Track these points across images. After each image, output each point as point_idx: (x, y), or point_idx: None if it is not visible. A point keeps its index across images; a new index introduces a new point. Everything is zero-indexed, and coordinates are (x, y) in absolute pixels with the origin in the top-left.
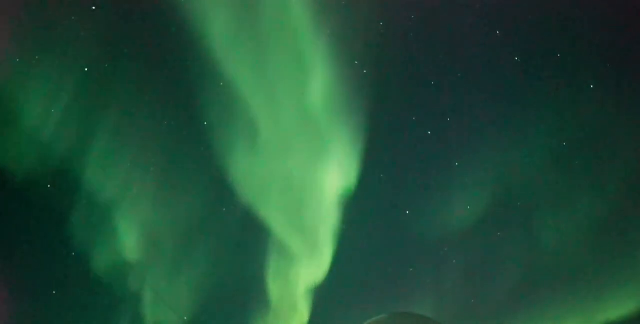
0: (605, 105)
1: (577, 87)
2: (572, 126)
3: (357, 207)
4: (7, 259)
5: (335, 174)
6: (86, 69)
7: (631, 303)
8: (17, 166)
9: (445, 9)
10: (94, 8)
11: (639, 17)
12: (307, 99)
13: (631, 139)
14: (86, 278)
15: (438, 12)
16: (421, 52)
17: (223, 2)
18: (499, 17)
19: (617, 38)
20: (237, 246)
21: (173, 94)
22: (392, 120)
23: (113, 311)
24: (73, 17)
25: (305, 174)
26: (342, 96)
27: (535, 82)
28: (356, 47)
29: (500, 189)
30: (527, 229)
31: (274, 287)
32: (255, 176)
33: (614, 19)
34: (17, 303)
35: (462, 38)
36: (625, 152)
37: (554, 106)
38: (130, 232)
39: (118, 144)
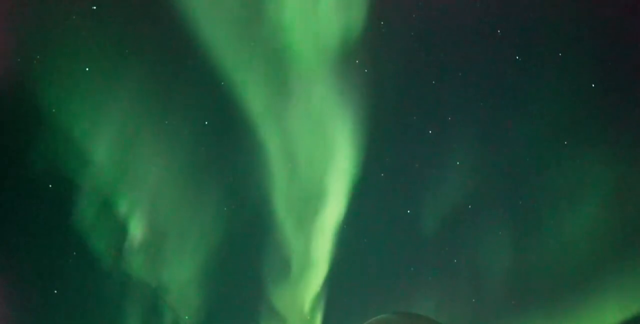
0: (607, 104)
1: (579, 87)
2: (574, 125)
3: (357, 206)
4: (8, 259)
5: (336, 174)
6: (87, 69)
7: (636, 304)
8: (18, 164)
9: (446, 8)
10: (94, 7)
11: (639, 16)
12: (307, 99)
13: (632, 138)
14: (88, 277)
15: (439, 11)
16: (422, 51)
17: (224, 1)
18: (500, 17)
19: (619, 37)
20: (241, 247)
21: (174, 94)
22: (393, 119)
23: (114, 311)
24: (73, 17)
25: (307, 174)
26: (343, 96)
27: (536, 81)
28: (357, 47)
29: (501, 188)
30: (529, 228)
31: (278, 288)
32: (257, 176)
33: (615, 18)
34: (18, 302)
35: (463, 37)
36: (626, 152)
37: (555, 105)
38: (132, 233)
39: (119, 143)
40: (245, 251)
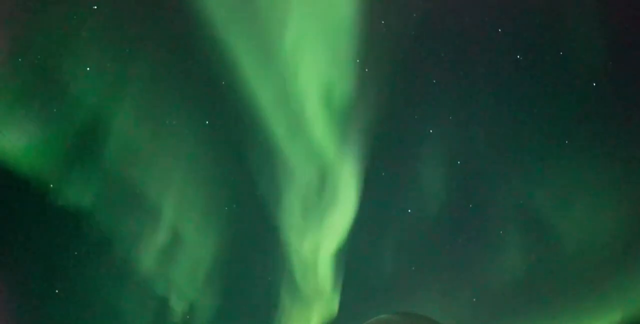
0: (608, 103)
1: (580, 86)
2: (575, 124)
3: (358, 205)
4: (9, 258)
5: (338, 173)
6: (88, 69)
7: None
8: (20, 164)
9: (447, 7)
10: (95, 7)
11: None
12: (308, 98)
13: (633, 138)
14: (90, 277)
15: (440, 10)
16: (423, 50)
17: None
18: (501, 15)
19: (620, 36)
20: (245, 248)
21: (175, 93)
22: (394, 118)
23: (116, 311)
24: (74, 17)
25: (308, 175)
26: (343, 95)
27: (537, 80)
28: (357, 46)
29: (502, 187)
30: (530, 228)
31: (284, 290)
32: (261, 176)
33: (616, 17)
34: (18, 302)
35: (464, 36)
36: (627, 151)
37: (557, 104)
38: (136, 233)
39: (119, 144)
40: (251, 252)
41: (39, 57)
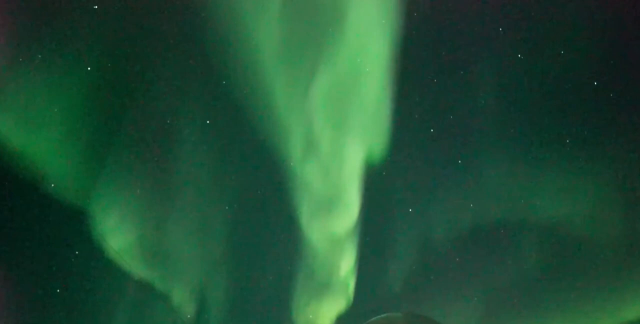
0: (609, 103)
1: (580, 85)
2: (576, 123)
3: (360, 205)
4: (9, 258)
5: (341, 174)
6: (88, 68)
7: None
8: (20, 164)
9: (448, 6)
10: (95, 7)
11: None
12: (308, 99)
13: (633, 137)
14: (89, 277)
15: (441, 9)
16: (423, 50)
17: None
18: (502, 15)
19: (621, 36)
20: (247, 248)
21: (175, 93)
22: (394, 118)
23: (116, 312)
24: (75, 16)
25: (311, 175)
26: (343, 95)
27: (537, 80)
28: (358, 45)
29: (503, 186)
30: (533, 227)
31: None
32: (263, 177)
33: (617, 16)
34: (19, 302)
35: (465, 36)
36: (626, 151)
37: (557, 103)
38: (137, 233)
39: (119, 144)
40: (253, 253)
41: (39, 56)
